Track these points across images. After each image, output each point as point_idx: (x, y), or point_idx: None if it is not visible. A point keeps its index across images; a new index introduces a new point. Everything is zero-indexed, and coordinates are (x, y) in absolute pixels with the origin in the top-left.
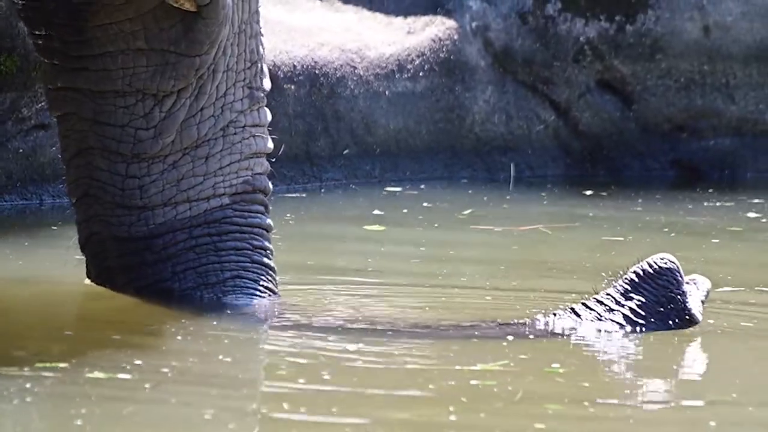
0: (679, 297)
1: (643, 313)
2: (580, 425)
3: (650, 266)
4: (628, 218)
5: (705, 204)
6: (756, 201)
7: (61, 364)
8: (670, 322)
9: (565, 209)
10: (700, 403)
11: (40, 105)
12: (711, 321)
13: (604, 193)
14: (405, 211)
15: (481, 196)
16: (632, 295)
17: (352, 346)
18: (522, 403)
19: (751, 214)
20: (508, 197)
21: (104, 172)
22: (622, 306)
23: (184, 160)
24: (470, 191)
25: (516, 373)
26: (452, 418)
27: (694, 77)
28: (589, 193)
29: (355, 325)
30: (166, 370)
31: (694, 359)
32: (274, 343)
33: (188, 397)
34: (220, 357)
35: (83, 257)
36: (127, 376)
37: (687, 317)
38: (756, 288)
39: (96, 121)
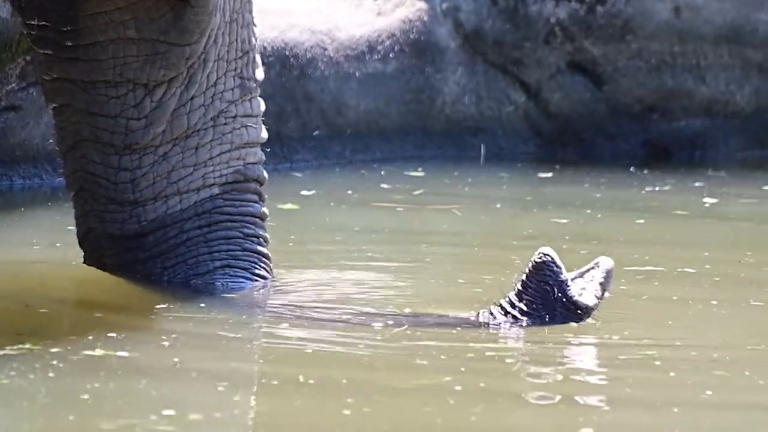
0: (557, 289)
1: (532, 310)
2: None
3: (531, 263)
4: (573, 200)
5: (656, 188)
6: (700, 184)
7: (53, 342)
8: (558, 314)
9: (519, 190)
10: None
11: (10, 86)
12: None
13: (557, 175)
14: (349, 192)
15: (445, 177)
16: (523, 294)
17: (351, 333)
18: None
19: (708, 199)
20: (469, 179)
21: (98, 165)
22: (515, 307)
23: (174, 151)
24: (456, 172)
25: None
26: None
27: (664, 58)
28: (549, 175)
29: (347, 310)
30: (168, 349)
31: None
32: (269, 324)
33: (203, 372)
34: (224, 336)
35: (66, 242)
36: (125, 354)
37: (573, 307)
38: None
39: (89, 112)
